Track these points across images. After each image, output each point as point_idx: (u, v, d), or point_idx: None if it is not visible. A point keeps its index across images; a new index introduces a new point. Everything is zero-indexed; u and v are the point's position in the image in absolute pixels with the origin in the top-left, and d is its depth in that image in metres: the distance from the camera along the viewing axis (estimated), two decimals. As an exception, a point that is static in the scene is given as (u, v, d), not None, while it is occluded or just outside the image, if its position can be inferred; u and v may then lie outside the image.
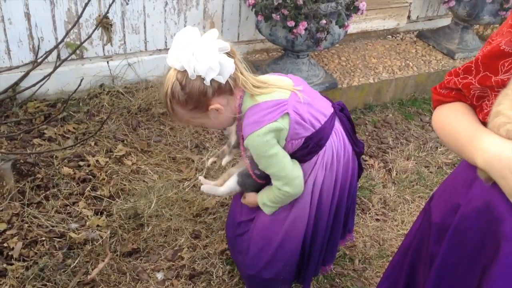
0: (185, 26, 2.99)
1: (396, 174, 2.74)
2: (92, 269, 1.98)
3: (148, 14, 2.88)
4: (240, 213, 1.83)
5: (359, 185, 2.62)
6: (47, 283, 1.90)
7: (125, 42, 2.91)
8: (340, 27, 2.72)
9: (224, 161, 1.76)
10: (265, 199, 1.65)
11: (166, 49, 3.03)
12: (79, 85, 2.42)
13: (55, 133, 2.59)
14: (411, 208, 2.52)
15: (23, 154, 2.39)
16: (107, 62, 2.93)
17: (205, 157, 2.61)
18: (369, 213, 2.47)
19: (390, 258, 1.88)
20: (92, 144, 2.59)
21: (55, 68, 2.46)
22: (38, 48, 2.69)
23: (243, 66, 1.48)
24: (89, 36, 2.44)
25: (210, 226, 2.24)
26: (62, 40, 2.54)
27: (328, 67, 3.26)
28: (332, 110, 1.60)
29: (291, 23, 2.55)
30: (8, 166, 2.20)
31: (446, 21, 3.89)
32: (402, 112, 3.29)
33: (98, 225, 2.15)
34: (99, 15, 2.73)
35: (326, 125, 1.56)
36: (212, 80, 1.40)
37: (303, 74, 2.94)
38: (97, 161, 2.46)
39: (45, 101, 2.79)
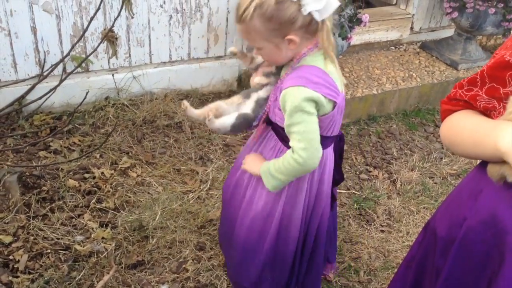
0: (189, 39, 3.05)
1: (401, 185, 2.74)
2: (97, 282, 1.98)
3: (152, 27, 2.91)
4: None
5: (364, 196, 2.62)
6: (52, 296, 1.91)
7: (130, 55, 2.94)
8: (343, 39, 2.74)
9: (257, 80, 1.56)
10: (271, 168, 1.52)
11: (171, 62, 3.06)
12: (85, 98, 2.44)
13: (61, 146, 2.61)
14: (416, 219, 2.52)
15: (29, 167, 2.40)
16: (112, 75, 2.95)
17: (209, 169, 2.62)
18: (374, 224, 2.46)
19: (396, 270, 1.87)
20: (98, 156, 2.60)
21: (61, 81, 2.48)
22: (44, 62, 2.72)
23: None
24: (95, 50, 2.47)
25: (215, 238, 2.24)
26: (68, 54, 2.57)
27: (332, 79, 3.27)
28: (337, 132, 1.60)
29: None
30: (14, 179, 2.21)
31: (449, 32, 3.91)
32: (406, 122, 3.30)
33: (103, 237, 2.15)
34: (105, 29, 2.75)
35: (332, 142, 1.59)
36: (309, 13, 1.33)
37: (307, 85, 2.95)
38: (102, 173, 2.48)
39: (51, 113, 2.82)
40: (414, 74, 3.48)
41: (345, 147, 2.97)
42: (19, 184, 2.26)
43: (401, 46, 3.85)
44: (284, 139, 1.53)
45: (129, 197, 2.39)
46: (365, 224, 2.46)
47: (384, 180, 2.76)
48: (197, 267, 2.11)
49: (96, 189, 2.40)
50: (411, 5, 3.68)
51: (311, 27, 1.37)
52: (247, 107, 1.58)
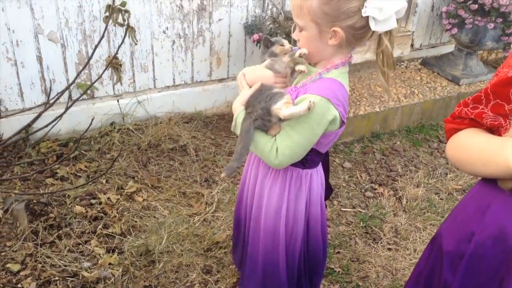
0: (192, 63, 3.09)
1: (407, 202, 2.73)
2: (105, 308, 1.98)
3: (156, 53, 2.96)
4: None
5: (370, 214, 2.62)
6: (61, 323, 1.91)
7: (134, 81, 2.98)
8: (344, 58, 2.77)
9: (301, 67, 1.44)
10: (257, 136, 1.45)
11: (175, 86, 3.10)
12: (90, 124, 2.48)
13: (67, 172, 2.64)
14: (423, 236, 2.50)
15: (36, 194, 2.43)
16: (117, 101, 2.99)
17: (214, 191, 2.63)
18: (381, 242, 2.46)
19: (403, 289, 1.86)
20: (104, 181, 2.62)
21: (67, 108, 2.52)
22: (50, 90, 2.77)
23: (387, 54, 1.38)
24: (100, 77, 2.51)
25: (221, 261, 2.24)
26: (74, 81, 2.61)
27: (334, 98, 3.30)
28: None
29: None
30: (21, 207, 2.23)
31: (450, 48, 3.94)
32: (409, 139, 3.31)
33: (110, 263, 2.16)
34: (109, 56, 2.80)
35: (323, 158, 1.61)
36: (364, 17, 1.30)
37: (310, 105, 2.98)
38: (108, 198, 2.50)
39: (57, 140, 2.85)
40: (416, 90, 3.50)
41: (350, 165, 2.98)
42: (26, 212, 2.28)
43: (402, 63, 3.88)
44: None
45: (135, 221, 2.40)
46: (372, 243, 2.46)
47: (389, 198, 2.76)
48: (204, 291, 2.11)
49: (102, 214, 2.41)
50: (410, 23, 3.71)
51: (361, 32, 1.34)
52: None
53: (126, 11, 2.03)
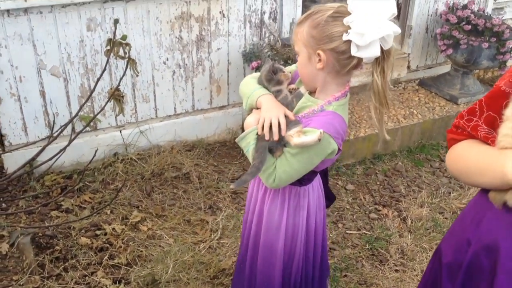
0: (193, 91, 3.14)
1: (411, 222, 2.73)
2: None
3: (157, 83, 3.00)
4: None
5: (375, 236, 2.62)
6: None
7: (136, 111, 3.03)
8: (342, 82, 2.81)
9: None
10: (250, 148, 1.49)
11: (176, 114, 3.14)
12: (94, 155, 2.50)
13: (72, 204, 2.65)
14: (429, 256, 2.49)
15: (42, 227, 2.43)
16: (120, 131, 3.03)
17: (219, 218, 2.63)
18: (388, 264, 2.45)
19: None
20: (108, 212, 2.63)
21: (70, 141, 2.54)
22: (54, 123, 2.80)
23: (388, 79, 1.41)
24: (102, 109, 2.53)
25: (228, 288, 2.24)
26: (77, 114, 2.64)
27: (334, 121, 3.33)
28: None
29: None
30: (27, 240, 2.24)
31: (446, 68, 4.00)
32: (411, 159, 3.32)
33: (116, 294, 2.16)
34: (111, 88, 2.85)
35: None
36: (347, 41, 1.32)
37: (310, 129, 3.01)
38: (113, 229, 2.50)
39: (61, 173, 2.87)
40: (414, 111, 3.53)
41: (353, 187, 2.99)
42: (32, 245, 2.29)
43: (399, 84, 3.93)
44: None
45: (141, 251, 2.40)
46: (379, 265, 2.45)
47: (394, 218, 2.76)
48: (212, 319, 2.10)
49: (108, 245, 2.41)
50: (406, 45, 3.78)
51: (344, 58, 1.36)
52: None
53: (127, 44, 2.08)
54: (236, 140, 1.55)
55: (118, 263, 2.32)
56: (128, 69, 2.23)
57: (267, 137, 1.45)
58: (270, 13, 3.15)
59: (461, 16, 3.50)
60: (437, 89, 3.78)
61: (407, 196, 2.95)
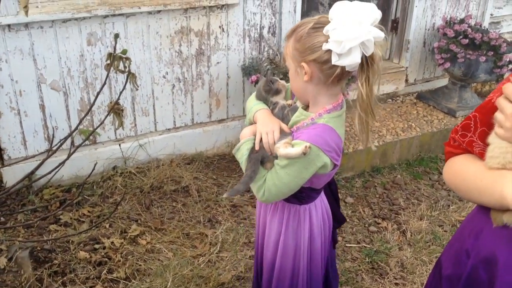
0: (192, 105, 3.15)
1: (411, 235, 2.73)
2: None
3: (156, 97, 3.02)
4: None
5: (375, 249, 2.61)
6: None
7: (135, 125, 3.03)
8: (340, 95, 2.83)
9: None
10: (243, 162, 1.51)
11: (175, 128, 3.15)
12: (93, 169, 2.50)
13: (71, 218, 2.64)
14: (429, 269, 2.48)
15: (40, 241, 2.42)
16: (119, 145, 3.03)
17: (218, 231, 2.63)
18: (388, 278, 2.44)
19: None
20: (107, 226, 2.62)
21: (70, 155, 2.54)
22: (53, 137, 2.80)
23: (374, 88, 1.40)
24: (102, 122, 2.54)
25: (228, 302, 2.22)
26: (76, 128, 2.65)
27: (333, 134, 3.34)
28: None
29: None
30: (26, 255, 2.23)
31: (444, 82, 4.02)
32: (410, 172, 3.33)
33: (115, 309, 2.14)
34: (111, 102, 2.86)
35: (321, 191, 1.63)
36: (328, 51, 1.32)
37: (309, 142, 3.02)
38: (112, 243, 2.49)
39: (60, 187, 2.87)
40: (413, 124, 3.55)
41: (352, 200, 2.99)
42: (30, 259, 2.28)
43: (397, 98, 3.95)
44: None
45: (140, 265, 2.39)
46: (379, 278, 2.44)
47: (393, 231, 2.76)
48: (211, 334, 2.08)
49: (106, 259, 2.40)
50: (403, 59, 3.81)
51: (327, 67, 1.36)
52: None
53: (127, 58, 2.09)
54: (233, 151, 1.56)
55: (117, 277, 2.31)
56: (128, 83, 2.24)
57: (257, 148, 1.47)
58: (269, 27, 3.18)
59: (458, 30, 3.53)
60: (435, 102, 3.80)
61: (406, 209, 2.95)
